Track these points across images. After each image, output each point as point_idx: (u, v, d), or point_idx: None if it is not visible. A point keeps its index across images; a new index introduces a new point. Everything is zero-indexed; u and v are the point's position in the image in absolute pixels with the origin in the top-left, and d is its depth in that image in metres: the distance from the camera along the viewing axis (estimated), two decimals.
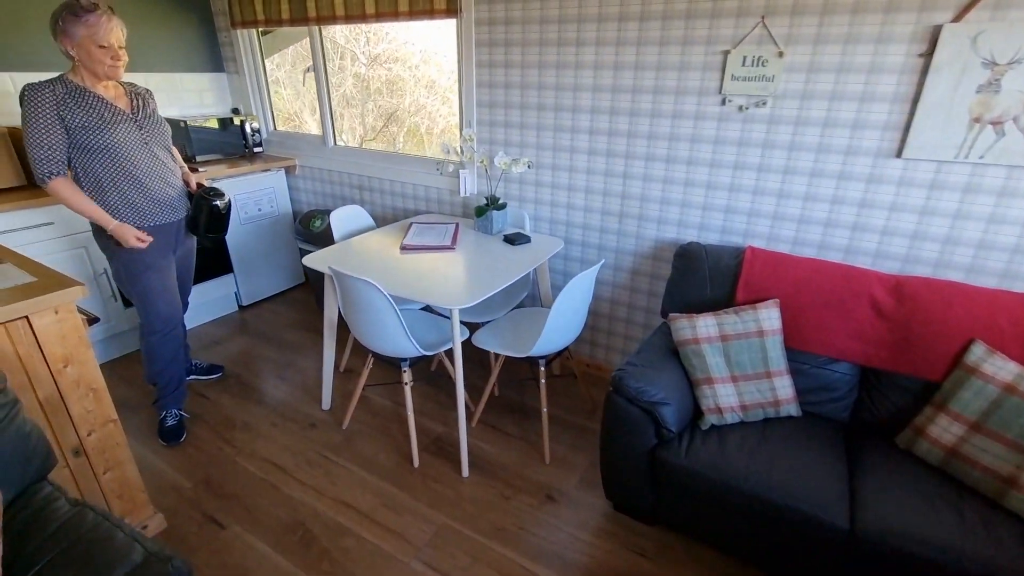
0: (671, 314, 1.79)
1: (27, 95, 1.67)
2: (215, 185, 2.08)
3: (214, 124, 3.06)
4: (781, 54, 1.75)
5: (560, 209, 2.41)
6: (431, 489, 1.88)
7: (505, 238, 2.25)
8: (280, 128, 3.46)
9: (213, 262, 3.00)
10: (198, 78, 3.26)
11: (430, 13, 2.39)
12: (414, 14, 2.44)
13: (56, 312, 1.33)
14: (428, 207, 2.83)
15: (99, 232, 1.90)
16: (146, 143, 1.89)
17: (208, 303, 3.07)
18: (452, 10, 2.32)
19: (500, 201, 2.34)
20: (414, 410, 2.30)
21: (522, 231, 2.36)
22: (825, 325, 1.72)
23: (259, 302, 3.33)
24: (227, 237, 3.03)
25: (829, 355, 1.73)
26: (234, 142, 3.17)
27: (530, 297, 2.65)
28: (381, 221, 3.08)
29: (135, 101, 1.90)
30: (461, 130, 2.53)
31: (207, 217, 2.06)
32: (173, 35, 3.07)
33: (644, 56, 1.99)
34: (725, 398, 1.63)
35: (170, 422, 2.12)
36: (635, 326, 2.43)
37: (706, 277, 1.92)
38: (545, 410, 2.00)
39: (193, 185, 2.11)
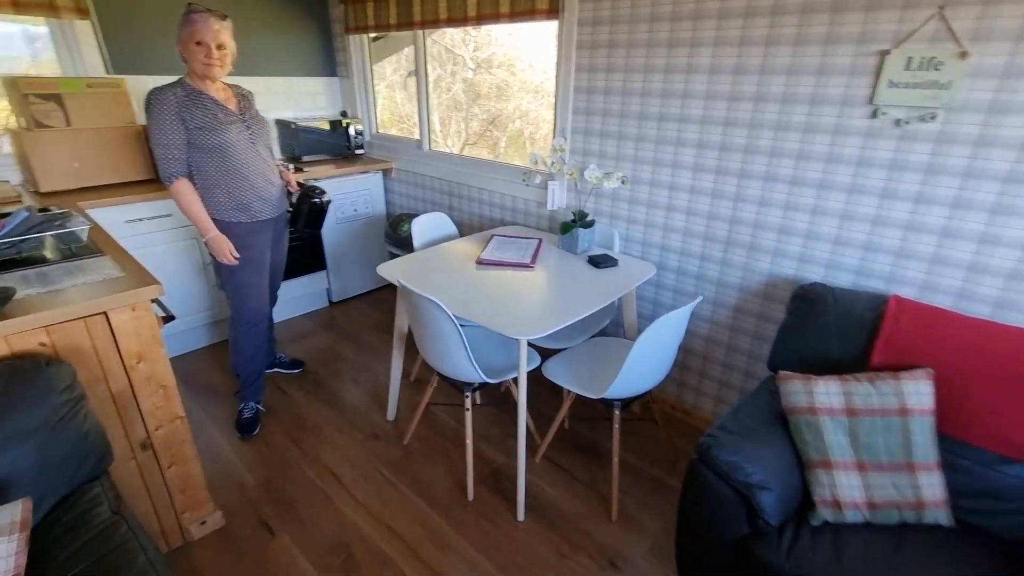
0: (782, 372, 1.47)
1: (152, 98, 1.78)
2: (316, 184, 2.13)
3: (323, 126, 3.18)
4: (964, 54, 1.35)
5: (655, 231, 2.14)
6: (482, 529, 1.73)
7: (590, 259, 2.03)
8: (390, 131, 3.53)
9: (309, 258, 3.12)
10: (313, 82, 3.41)
11: (531, 14, 2.24)
12: (515, 15, 2.31)
13: (133, 309, 1.37)
14: (514, 218, 2.69)
15: (233, 227, 1.99)
16: (253, 142, 1.95)
17: (301, 297, 3.20)
18: (554, 10, 2.16)
19: (588, 218, 2.13)
20: (477, 435, 2.17)
21: (610, 252, 2.13)
22: (1000, 411, 1.30)
23: (349, 299, 3.42)
24: (323, 235, 3.13)
25: (1002, 452, 1.31)
26: (339, 143, 3.28)
27: (614, 323, 2.41)
28: (467, 229, 3.00)
29: (241, 102, 1.98)
30: (554, 138, 2.35)
31: (308, 213, 2.13)
32: (294, 41, 3.24)
33: (773, 59, 1.67)
34: (847, 489, 1.29)
35: (246, 415, 2.19)
36: (734, 371, 2.09)
37: (831, 328, 1.56)
38: (616, 459, 1.77)
39: (293, 183, 2.16)
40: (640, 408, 2.35)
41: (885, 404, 1.33)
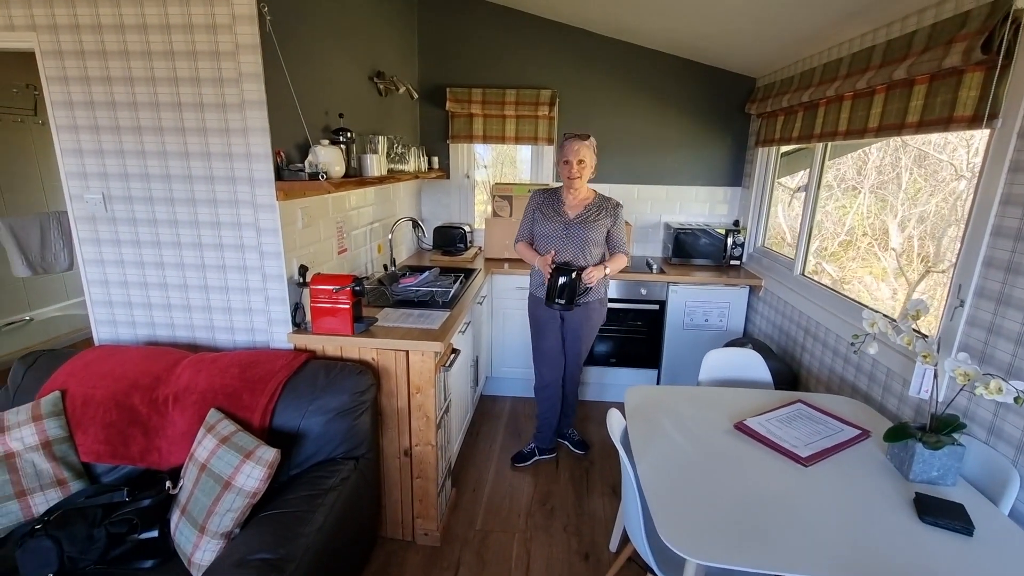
0: None
1: (531, 193, 2.42)
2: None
3: (712, 232, 3.19)
4: None
5: None
6: None
7: (918, 498, 1.26)
8: (772, 246, 3.20)
9: (646, 353, 3.19)
10: (720, 191, 3.48)
11: (946, 123, 1.60)
12: (925, 125, 1.70)
13: (422, 354, 1.88)
14: (869, 389, 1.92)
15: (531, 299, 2.49)
16: (562, 240, 2.31)
17: (627, 386, 3.28)
18: (979, 117, 1.47)
19: (947, 431, 1.32)
20: None
21: (970, 503, 1.24)
22: None
23: None
24: (665, 336, 3.12)
25: None
26: (715, 252, 3.21)
27: None
28: (813, 382, 2.34)
29: (590, 211, 2.32)
30: (950, 294, 1.57)
31: (549, 286, 2.28)
32: (707, 154, 3.42)
33: None
34: None
35: (525, 451, 2.64)
36: None
37: None
38: None
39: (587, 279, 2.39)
40: None
41: None
